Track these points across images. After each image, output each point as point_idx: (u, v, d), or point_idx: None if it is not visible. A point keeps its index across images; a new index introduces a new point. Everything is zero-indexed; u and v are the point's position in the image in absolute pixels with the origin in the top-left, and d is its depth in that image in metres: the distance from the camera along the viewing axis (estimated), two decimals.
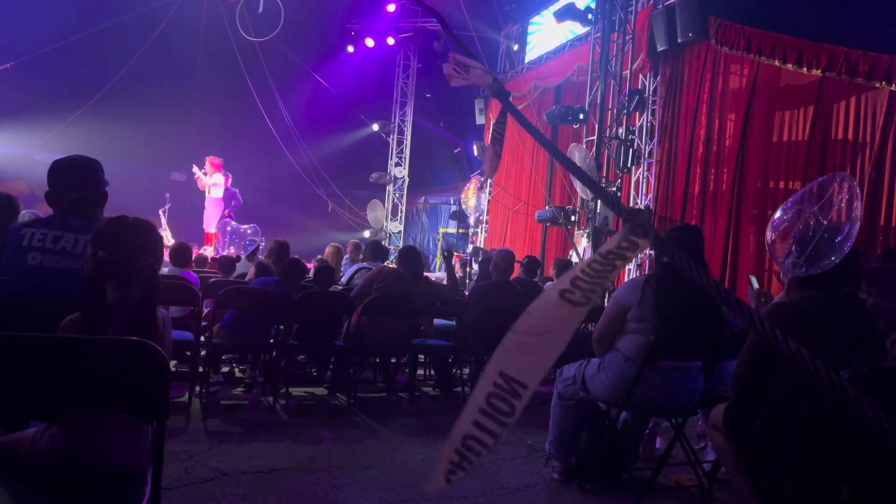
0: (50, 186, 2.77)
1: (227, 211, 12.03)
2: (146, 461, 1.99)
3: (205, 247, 11.83)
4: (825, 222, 2.48)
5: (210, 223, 11.95)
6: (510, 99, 1.63)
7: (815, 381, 0.86)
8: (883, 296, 3.19)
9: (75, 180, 2.78)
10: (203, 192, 12.33)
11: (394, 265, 7.63)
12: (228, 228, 10.15)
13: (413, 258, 6.03)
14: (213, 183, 12.08)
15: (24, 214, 4.40)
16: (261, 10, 12.73)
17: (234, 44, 13.86)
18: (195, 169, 12.23)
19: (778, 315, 2.65)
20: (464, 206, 15.56)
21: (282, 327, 5.44)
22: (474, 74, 1.57)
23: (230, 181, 12.34)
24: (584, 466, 3.71)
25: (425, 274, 7.00)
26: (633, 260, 9.51)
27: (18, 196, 4.59)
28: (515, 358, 1.00)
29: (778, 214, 2.69)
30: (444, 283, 6.87)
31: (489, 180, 15.25)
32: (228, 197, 12.17)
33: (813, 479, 2.43)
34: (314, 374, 6.56)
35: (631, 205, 10.66)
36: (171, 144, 15.49)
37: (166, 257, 6.42)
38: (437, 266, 16.49)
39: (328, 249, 8.19)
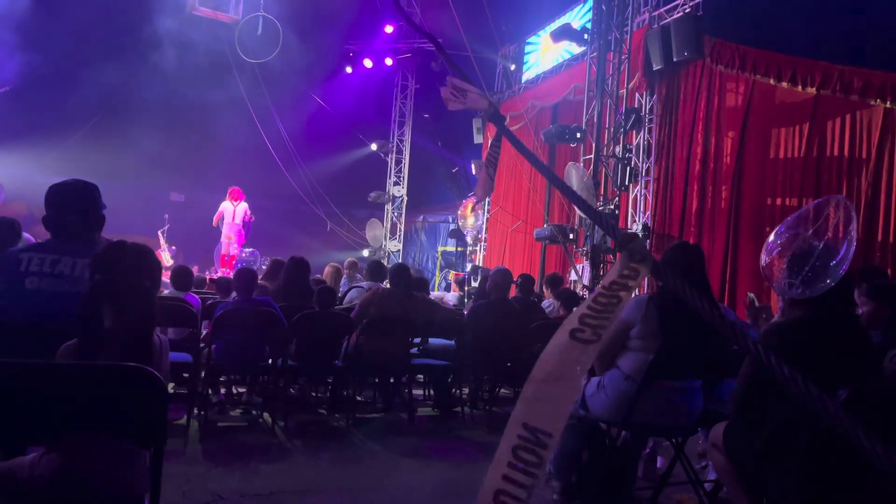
0: (47, 210, 2.78)
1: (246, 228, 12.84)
2: (144, 486, 1.98)
3: (222, 268, 12.19)
4: (821, 244, 2.49)
5: (232, 247, 12.52)
6: (506, 122, 1.64)
7: (809, 407, 0.87)
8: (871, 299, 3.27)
9: (73, 204, 2.79)
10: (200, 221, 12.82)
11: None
12: (244, 255, 10.82)
13: (405, 276, 6.02)
14: (240, 210, 12.78)
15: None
16: (259, 31, 12.82)
17: (233, 64, 13.94)
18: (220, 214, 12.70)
19: (775, 335, 2.66)
20: (460, 224, 15.59)
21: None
22: (471, 98, 1.58)
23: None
24: (583, 486, 3.68)
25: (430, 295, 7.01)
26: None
27: (17, 217, 4.61)
28: (536, 407, 1.01)
29: (772, 238, 2.70)
30: (444, 301, 6.87)
31: (485, 201, 15.33)
32: (248, 221, 12.86)
33: (814, 500, 2.42)
34: (314, 395, 6.54)
35: (629, 223, 10.68)
36: (169, 165, 15.53)
37: (167, 279, 6.43)
38: (437, 285, 16.47)
39: (327, 269, 8.17)
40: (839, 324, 2.68)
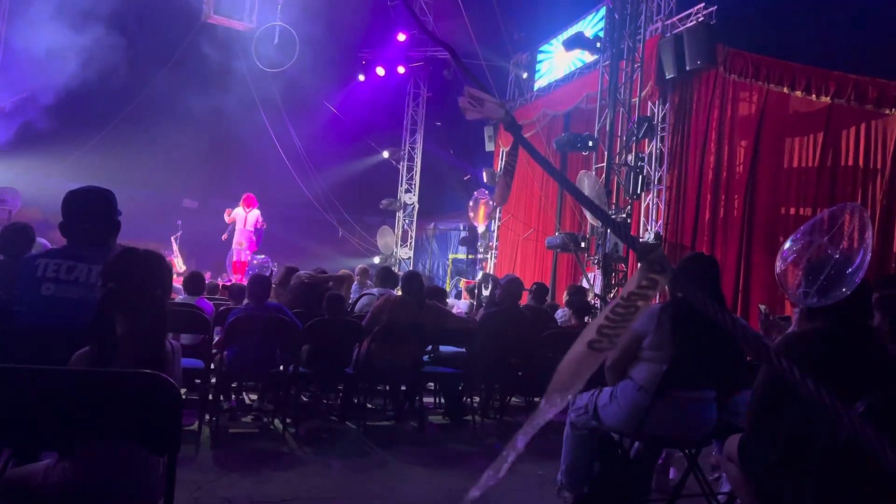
0: (64, 217, 2.80)
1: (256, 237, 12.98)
2: (157, 493, 1.98)
3: (234, 275, 12.31)
4: (837, 253, 2.46)
5: (243, 253, 12.68)
6: (521, 131, 1.64)
7: (833, 421, 0.86)
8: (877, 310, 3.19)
9: (89, 210, 2.81)
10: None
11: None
12: (255, 262, 10.98)
13: (416, 284, 6.01)
14: (252, 217, 12.93)
15: (36, 244, 4.45)
16: (276, 41, 12.91)
17: (247, 72, 14.03)
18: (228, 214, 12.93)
19: (790, 346, 2.63)
20: (472, 219, 15.59)
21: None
22: (488, 108, 1.58)
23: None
24: (596, 498, 3.65)
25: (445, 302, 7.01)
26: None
27: (32, 223, 4.66)
28: (544, 412, 1.05)
29: (787, 245, 2.68)
30: (455, 310, 6.85)
31: (498, 209, 15.33)
32: (260, 229, 13.00)
33: None
34: (325, 402, 6.54)
35: (641, 232, 10.64)
36: (182, 171, 15.64)
37: (180, 284, 6.46)
38: (447, 292, 16.46)
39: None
40: (856, 335, 2.65)
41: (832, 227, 2.56)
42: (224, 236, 13.00)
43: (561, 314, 7.51)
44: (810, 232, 2.64)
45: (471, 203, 15.44)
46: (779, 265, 2.72)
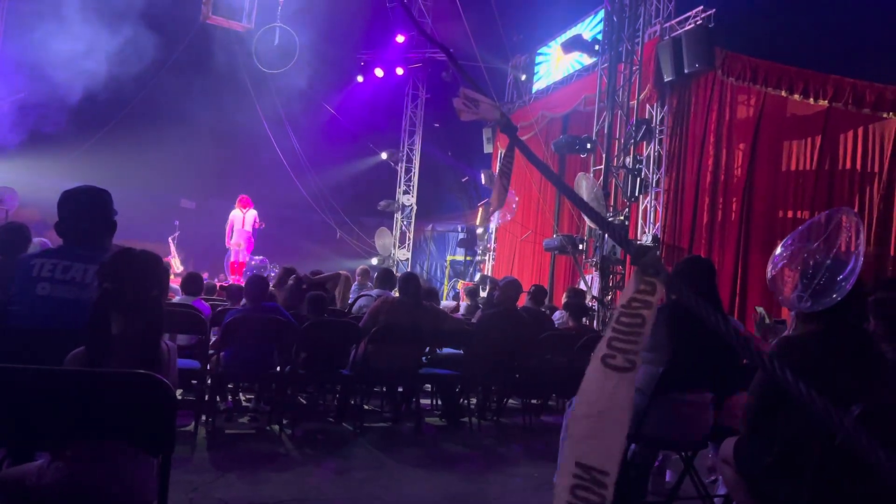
0: (60, 216, 2.79)
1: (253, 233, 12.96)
2: (151, 494, 1.97)
3: (232, 276, 12.30)
4: (829, 257, 2.46)
5: (241, 254, 12.69)
6: (517, 132, 1.64)
7: (826, 424, 0.85)
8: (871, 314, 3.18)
9: (85, 210, 2.80)
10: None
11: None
12: (253, 263, 11.01)
13: (413, 285, 6.01)
14: (250, 217, 12.94)
15: (35, 244, 4.45)
16: (276, 42, 12.91)
17: (246, 73, 14.03)
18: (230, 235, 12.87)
19: (786, 350, 2.63)
20: (472, 226, 15.63)
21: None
22: (483, 109, 1.58)
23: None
24: None
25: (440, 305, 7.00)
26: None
27: (29, 223, 4.65)
28: (586, 445, 0.97)
29: (779, 251, 2.68)
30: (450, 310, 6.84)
31: (497, 212, 15.32)
32: (257, 229, 13.02)
33: None
34: (322, 403, 6.53)
35: (639, 234, 10.64)
36: (180, 172, 15.62)
37: (177, 285, 6.45)
38: (445, 294, 16.47)
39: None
40: (851, 338, 2.65)
41: (825, 232, 2.56)
42: (227, 242, 12.93)
43: (558, 316, 7.50)
44: (802, 238, 2.64)
45: (474, 220, 15.53)
46: (770, 270, 2.72)
